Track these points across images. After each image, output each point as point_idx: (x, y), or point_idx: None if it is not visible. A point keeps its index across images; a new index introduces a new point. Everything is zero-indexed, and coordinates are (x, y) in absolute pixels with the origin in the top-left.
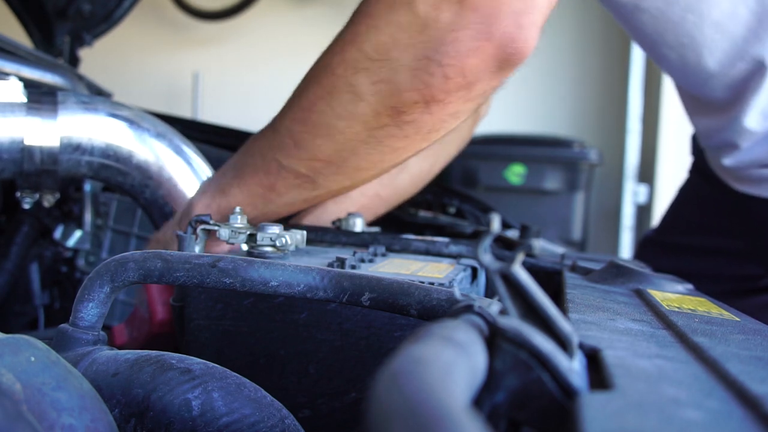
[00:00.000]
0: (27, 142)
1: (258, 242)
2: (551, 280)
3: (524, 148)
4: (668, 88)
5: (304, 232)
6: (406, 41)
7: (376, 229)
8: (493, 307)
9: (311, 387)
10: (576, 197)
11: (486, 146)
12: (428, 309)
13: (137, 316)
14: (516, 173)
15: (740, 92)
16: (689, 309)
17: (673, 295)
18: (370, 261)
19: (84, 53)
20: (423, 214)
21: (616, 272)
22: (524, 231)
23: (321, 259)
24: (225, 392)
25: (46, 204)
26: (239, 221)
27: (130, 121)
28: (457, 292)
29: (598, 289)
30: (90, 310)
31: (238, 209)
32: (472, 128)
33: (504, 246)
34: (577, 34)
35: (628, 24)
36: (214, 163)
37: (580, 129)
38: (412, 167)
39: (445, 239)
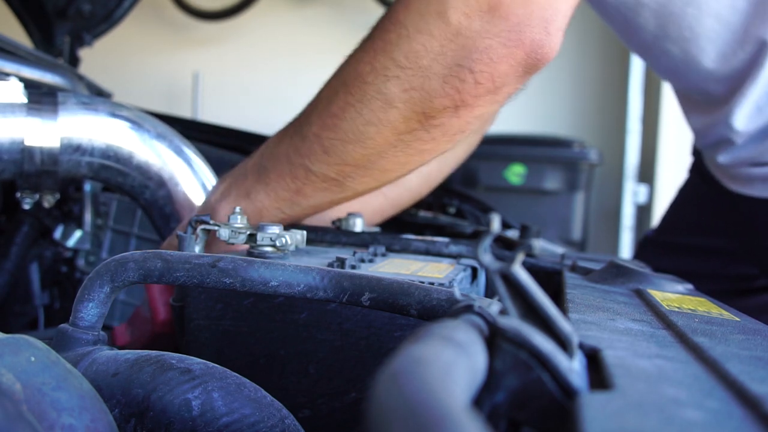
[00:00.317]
0: (27, 143)
1: (258, 242)
2: (551, 280)
3: (524, 148)
4: (668, 88)
5: (304, 232)
6: (438, 49)
7: (376, 229)
8: (493, 307)
9: (311, 387)
10: (576, 197)
11: (486, 146)
12: (428, 309)
13: (139, 316)
14: (516, 173)
15: (737, 85)
16: (689, 309)
17: (673, 295)
18: (370, 261)
19: (84, 53)
20: (423, 214)
21: (616, 272)
22: (524, 231)
23: (321, 259)
24: (225, 392)
25: (46, 204)
26: (239, 221)
27: (131, 122)
28: (457, 292)
29: (598, 289)
30: (90, 310)
31: (238, 209)
32: (483, 130)
33: (504, 246)
34: (577, 34)
35: (629, 24)
36: (214, 163)
37: (580, 129)
38: (420, 168)
39: (445, 239)
